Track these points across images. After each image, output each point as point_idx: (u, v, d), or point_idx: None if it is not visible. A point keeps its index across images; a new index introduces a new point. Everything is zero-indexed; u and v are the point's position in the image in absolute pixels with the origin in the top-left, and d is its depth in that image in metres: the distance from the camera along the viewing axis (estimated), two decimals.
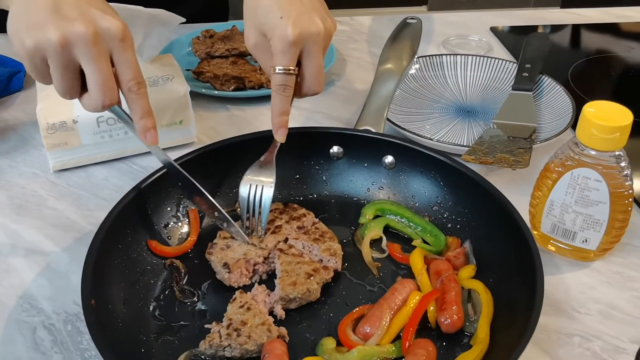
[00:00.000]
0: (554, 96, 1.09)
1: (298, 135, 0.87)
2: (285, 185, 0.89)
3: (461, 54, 1.20)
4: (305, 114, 1.11)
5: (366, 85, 1.06)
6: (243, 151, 0.87)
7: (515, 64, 1.16)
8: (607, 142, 0.74)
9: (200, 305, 0.76)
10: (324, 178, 0.92)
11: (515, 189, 0.85)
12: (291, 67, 0.80)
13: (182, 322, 0.74)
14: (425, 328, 0.72)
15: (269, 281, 0.79)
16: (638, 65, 1.33)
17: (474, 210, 0.83)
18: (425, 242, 0.83)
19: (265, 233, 0.82)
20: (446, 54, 1.19)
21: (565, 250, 0.82)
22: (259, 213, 0.82)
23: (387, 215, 0.86)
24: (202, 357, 0.69)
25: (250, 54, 1.22)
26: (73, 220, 0.89)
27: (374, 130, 0.94)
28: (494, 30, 1.41)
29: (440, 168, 0.86)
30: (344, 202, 0.90)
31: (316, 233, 0.83)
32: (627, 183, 0.76)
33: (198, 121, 1.06)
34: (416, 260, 0.79)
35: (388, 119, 0.99)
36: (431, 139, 0.98)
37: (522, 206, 0.80)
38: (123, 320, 0.71)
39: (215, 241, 0.82)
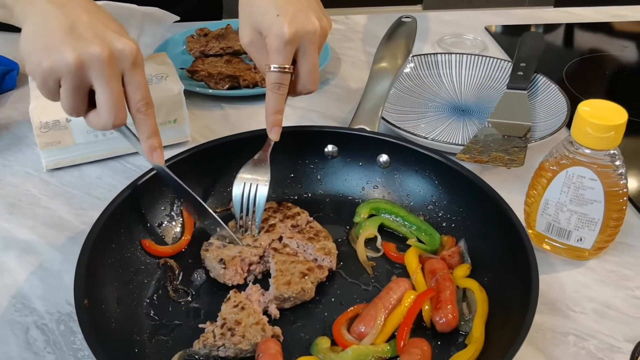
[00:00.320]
0: (548, 95, 1.09)
1: (292, 134, 0.87)
2: (280, 184, 0.89)
3: (456, 53, 1.19)
4: (299, 113, 1.11)
5: (361, 84, 1.06)
6: (237, 150, 0.87)
7: (510, 63, 1.16)
8: (602, 141, 0.74)
9: (194, 305, 0.76)
10: (319, 177, 0.91)
11: (510, 187, 0.85)
12: (286, 66, 0.80)
13: (176, 322, 0.73)
14: (420, 327, 0.72)
15: (263, 280, 0.79)
16: (632, 64, 1.34)
17: (468, 209, 0.83)
18: (420, 241, 0.83)
19: (260, 232, 0.82)
20: (441, 53, 1.19)
21: (560, 249, 0.82)
22: (253, 212, 0.82)
23: (382, 214, 0.86)
24: (196, 357, 0.69)
25: (244, 53, 1.23)
26: (66, 220, 0.89)
27: (368, 129, 0.94)
28: (488, 29, 1.41)
29: (435, 167, 0.86)
30: (338, 201, 0.90)
31: (310, 232, 0.82)
32: (621, 182, 0.76)
33: (192, 120, 1.06)
34: (411, 259, 0.79)
35: (383, 118, 0.99)
36: (426, 138, 0.98)
37: (517, 205, 0.80)
38: (116, 320, 0.71)
39: (211, 240, 0.81)
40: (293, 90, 0.85)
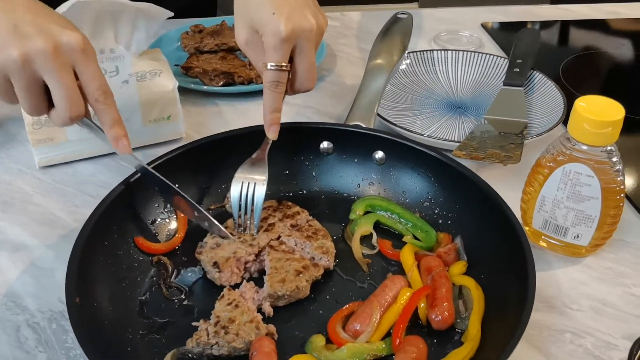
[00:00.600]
0: (545, 92, 1.09)
1: (288, 131, 0.86)
2: (275, 181, 0.88)
3: (452, 50, 1.19)
4: (295, 110, 1.10)
5: (356, 81, 1.05)
6: (232, 147, 0.86)
7: (506, 60, 1.15)
8: (599, 137, 0.73)
9: (187, 303, 0.75)
10: (314, 174, 0.91)
11: (506, 184, 0.84)
12: (283, 64, 0.80)
13: (169, 320, 0.73)
14: (415, 325, 0.72)
15: (259, 279, 0.78)
16: (629, 62, 1.33)
17: (465, 206, 0.82)
18: (416, 238, 0.82)
19: (258, 231, 0.81)
20: (437, 50, 1.19)
21: (557, 246, 0.82)
22: (252, 211, 0.81)
23: (378, 211, 0.86)
24: (190, 355, 0.68)
25: (239, 49, 1.21)
26: (59, 217, 0.88)
27: (364, 126, 0.93)
28: (485, 26, 1.40)
29: (431, 164, 0.85)
30: (334, 198, 0.89)
31: (309, 230, 0.81)
32: (618, 178, 0.76)
33: (187, 117, 1.05)
34: (407, 256, 0.78)
35: (378, 115, 0.98)
36: (422, 135, 0.97)
37: (513, 202, 0.80)
38: (109, 318, 0.70)
39: (205, 240, 0.80)
40: (290, 88, 0.84)
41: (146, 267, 0.78)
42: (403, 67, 1.15)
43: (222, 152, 0.87)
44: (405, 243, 0.81)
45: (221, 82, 1.12)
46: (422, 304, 0.72)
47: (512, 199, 0.80)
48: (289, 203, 0.86)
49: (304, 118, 1.08)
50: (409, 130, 0.97)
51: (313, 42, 0.81)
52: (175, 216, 0.84)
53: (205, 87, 1.12)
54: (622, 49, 1.36)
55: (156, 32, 1.13)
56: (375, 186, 0.89)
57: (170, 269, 0.78)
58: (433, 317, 0.71)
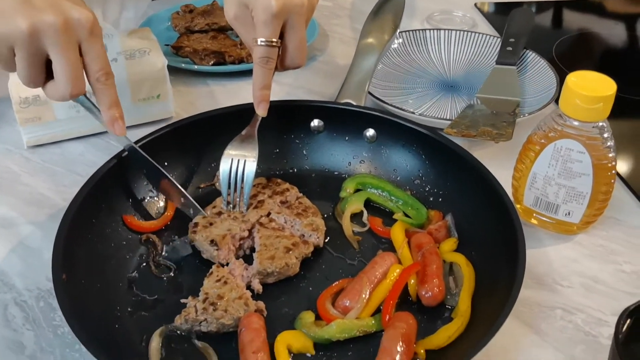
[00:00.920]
0: (538, 71, 1.08)
1: (278, 109, 0.85)
2: (265, 159, 0.87)
3: (445, 29, 1.18)
4: (286, 89, 1.09)
5: (348, 61, 1.04)
6: (221, 125, 0.85)
7: (499, 39, 1.14)
8: (591, 113, 0.73)
9: (176, 281, 0.74)
10: (305, 152, 0.90)
11: (498, 163, 0.83)
12: (274, 39, 0.79)
13: (157, 298, 0.72)
14: (405, 301, 0.71)
15: (249, 256, 0.78)
16: (622, 43, 1.33)
17: (456, 183, 0.82)
18: (406, 215, 0.82)
19: (248, 208, 0.81)
20: (430, 29, 1.18)
21: (549, 223, 0.81)
22: (241, 188, 0.80)
23: (368, 189, 0.85)
24: (178, 332, 0.68)
25: (230, 29, 1.21)
26: (47, 197, 0.87)
27: (355, 104, 0.92)
28: (479, 6, 1.39)
29: (423, 141, 0.85)
30: (324, 176, 0.89)
31: (299, 208, 0.81)
32: (610, 155, 0.75)
33: (177, 96, 1.04)
34: (397, 233, 0.78)
35: (370, 93, 0.97)
36: (413, 113, 0.96)
37: (505, 180, 0.79)
38: (97, 296, 0.69)
39: (195, 220, 0.80)
40: (281, 64, 0.83)
41: (135, 245, 0.78)
42: (395, 46, 1.14)
43: (211, 130, 0.86)
44: (395, 220, 0.80)
45: (212, 62, 1.11)
46: (412, 281, 0.71)
47: (504, 177, 0.80)
48: (279, 180, 0.85)
49: (295, 98, 1.07)
50: (400, 109, 0.96)
51: (304, 18, 0.80)
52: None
53: (195, 67, 1.11)
54: (615, 30, 1.35)
55: (145, 11, 1.12)
56: (366, 164, 0.88)
57: (159, 247, 0.78)
58: (423, 293, 0.70)
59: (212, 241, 0.76)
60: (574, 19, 1.42)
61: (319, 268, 0.76)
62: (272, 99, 0.83)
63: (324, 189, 0.87)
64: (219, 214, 0.80)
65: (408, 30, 1.17)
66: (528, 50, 1.11)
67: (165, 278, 0.75)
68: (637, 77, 1.19)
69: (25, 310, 0.72)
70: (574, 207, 0.78)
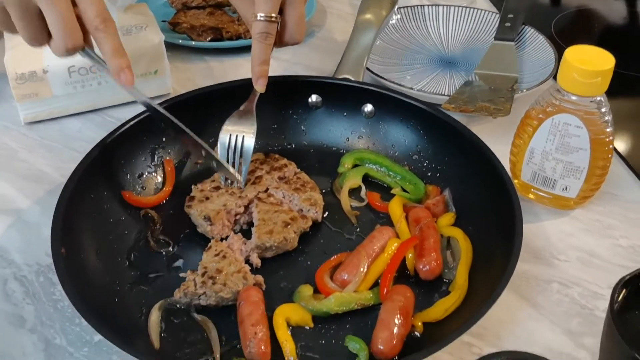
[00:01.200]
0: (536, 47, 1.07)
1: (276, 84, 0.85)
2: (263, 135, 0.87)
3: (443, 5, 1.17)
4: (284, 66, 1.09)
5: (347, 37, 1.04)
6: (219, 100, 0.85)
7: (498, 15, 1.14)
8: (589, 87, 0.72)
9: (175, 255, 0.75)
10: (303, 128, 0.90)
11: (496, 138, 0.83)
12: (273, 15, 0.78)
13: (157, 272, 0.73)
14: (403, 275, 0.72)
15: (248, 231, 0.78)
16: (621, 19, 1.32)
17: (454, 158, 0.82)
18: (404, 190, 0.82)
19: (246, 184, 0.81)
20: (428, 5, 1.17)
21: (546, 198, 0.82)
22: (240, 164, 0.80)
23: (367, 164, 0.85)
24: (177, 306, 0.68)
25: (228, 5, 1.20)
26: (45, 173, 0.87)
27: (353, 79, 0.92)
28: None
29: (421, 116, 0.84)
30: (322, 152, 0.89)
31: (297, 183, 0.81)
32: (607, 129, 0.75)
33: (174, 73, 1.04)
34: (395, 208, 0.78)
35: (368, 69, 0.97)
36: (411, 89, 0.96)
37: (503, 155, 0.79)
38: (96, 270, 0.70)
39: (192, 194, 0.80)
40: (279, 40, 0.83)
41: (134, 221, 0.78)
42: (393, 22, 1.13)
43: (209, 106, 0.86)
44: (393, 195, 0.81)
45: (209, 38, 1.11)
46: (410, 255, 0.72)
47: (502, 152, 0.80)
48: (277, 156, 0.85)
49: (293, 74, 1.06)
50: (398, 84, 0.96)
51: None
52: (162, 170, 0.84)
53: (193, 43, 1.10)
54: (614, 7, 1.35)
55: None
56: (364, 139, 0.88)
57: (157, 222, 0.78)
58: (421, 267, 0.71)
59: (205, 216, 0.76)
60: None
61: (317, 242, 0.77)
62: (270, 74, 0.82)
63: (322, 164, 0.87)
64: (217, 188, 0.80)
65: (406, 6, 1.16)
66: (527, 26, 1.10)
67: (164, 253, 0.75)
68: (636, 53, 1.19)
69: (25, 285, 0.72)
70: (571, 182, 0.78)
